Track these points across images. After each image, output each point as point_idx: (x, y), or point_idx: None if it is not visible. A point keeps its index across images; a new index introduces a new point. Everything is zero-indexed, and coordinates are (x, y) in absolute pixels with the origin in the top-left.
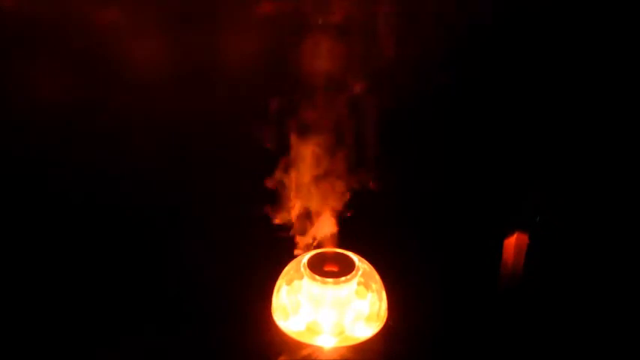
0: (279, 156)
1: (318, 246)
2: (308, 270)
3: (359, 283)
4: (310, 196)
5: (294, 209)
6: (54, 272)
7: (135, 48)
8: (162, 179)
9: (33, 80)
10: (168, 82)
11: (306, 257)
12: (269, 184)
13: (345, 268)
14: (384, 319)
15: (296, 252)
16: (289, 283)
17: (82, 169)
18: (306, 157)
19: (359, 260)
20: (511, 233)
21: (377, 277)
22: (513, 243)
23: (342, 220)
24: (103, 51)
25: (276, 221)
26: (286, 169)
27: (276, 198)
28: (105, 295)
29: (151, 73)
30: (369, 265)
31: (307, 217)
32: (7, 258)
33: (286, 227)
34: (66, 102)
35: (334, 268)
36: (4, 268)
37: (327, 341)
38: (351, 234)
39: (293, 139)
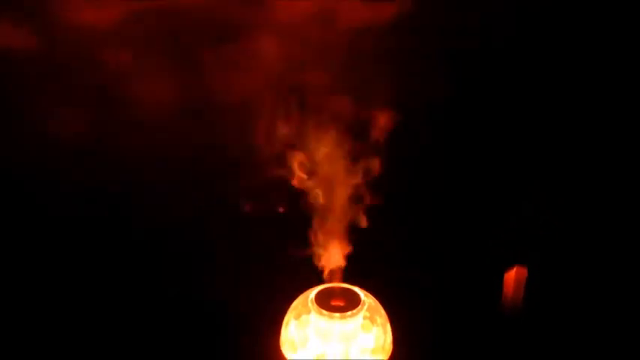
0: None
1: (326, 281)
2: (315, 305)
3: (365, 317)
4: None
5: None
6: (54, 272)
7: (142, 86)
8: (162, 179)
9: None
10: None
11: (313, 292)
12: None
13: (352, 303)
14: (389, 352)
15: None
16: (297, 317)
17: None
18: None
19: (365, 295)
20: (511, 266)
21: (382, 311)
22: (513, 276)
23: (348, 255)
24: (112, 89)
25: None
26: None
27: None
28: (105, 295)
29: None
30: (374, 299)
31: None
32: (8, 258)
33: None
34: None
35: (341, 303)
36: (4, 267)
37: None
38: (356, 269)
39: (293, 147)
